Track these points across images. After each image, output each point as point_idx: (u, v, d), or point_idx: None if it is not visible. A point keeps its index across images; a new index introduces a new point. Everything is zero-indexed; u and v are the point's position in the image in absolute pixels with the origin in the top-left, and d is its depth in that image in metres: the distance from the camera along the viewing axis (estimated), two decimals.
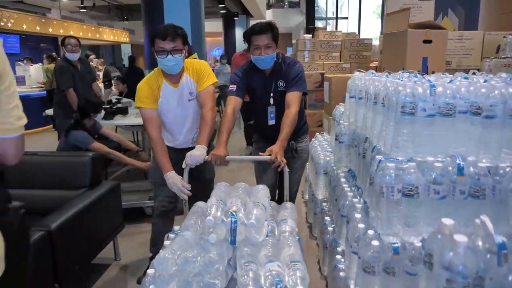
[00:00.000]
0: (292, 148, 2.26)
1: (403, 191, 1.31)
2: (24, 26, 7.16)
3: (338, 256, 1.83)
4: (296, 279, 1.16)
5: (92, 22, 12.73)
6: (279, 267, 1.18)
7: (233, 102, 2.11)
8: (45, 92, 7.37)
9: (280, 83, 2.14)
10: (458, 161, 1.30)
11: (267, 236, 1.37)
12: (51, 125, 7.65)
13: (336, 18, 13.15)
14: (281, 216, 1.63)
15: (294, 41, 5.47)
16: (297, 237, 1.52)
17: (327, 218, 2.28)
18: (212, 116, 2.02)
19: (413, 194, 1.30)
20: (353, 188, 1.91)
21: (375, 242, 1.39)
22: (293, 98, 2.06)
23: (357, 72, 2.17)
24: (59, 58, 3.76)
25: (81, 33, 9.12)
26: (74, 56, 3.60)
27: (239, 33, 12.97)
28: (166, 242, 1.43)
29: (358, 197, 1.78)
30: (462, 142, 1.37)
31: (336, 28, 12.85)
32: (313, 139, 3.18)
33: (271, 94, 2.15)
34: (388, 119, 1.46)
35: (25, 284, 1.53)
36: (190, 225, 1.44)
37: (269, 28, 2.02)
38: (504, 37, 3.28)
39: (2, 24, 6.71)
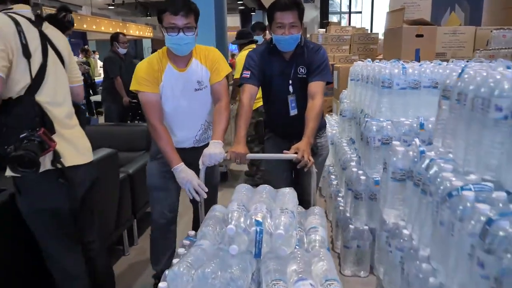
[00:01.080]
0: (312, 145, 2.01)
1: (382, 140, 1.89)
2: None
3: (339, 199, 2.42)
4: None
5: (118, 18, 13.50)
6: (312, 286, 1.03)
7: (248, 91, 1.89)
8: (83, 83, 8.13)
9: (301, 69, 1.92)
10: (420, 120, 1.87)
11: (295, 247, 1.21)
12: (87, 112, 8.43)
13: (349, 12, 13.55)
14: (310, 223, 1.44)
15: (308, 35, 5.98)
16: (327, 246, 1.35)
17: (332, 176, 2.87)
18: (228, 114, 1.84)
19: (389, 143, 1.88)
20: (351, 150, 2.49)
21: (363, 177, 1.98)
22: (317, 88, 1.86)
23: (358, 62, 2.74)
24: (110, 51, 4.39)
25: (110, 29, 9.84)
26: (124, 50, 4.28)
27: None
28: (180, 250, 1.30)
29: (355, 154, 2.36)
30: (426, 108, 1.93)
31: (350, 23, 13.26)
32: None
33: (290, 82, 1.93)
34: (374, 92, 2.03)
35: (115, 209, 2.18)
36: (207, 233, 1.28)
37: (296, 5, 1.80)
38: (491, 31, 3.77)
39: None
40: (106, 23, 10.20)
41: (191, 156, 1.79)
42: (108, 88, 4.37)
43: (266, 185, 1.47)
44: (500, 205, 0.87)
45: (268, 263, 1.13)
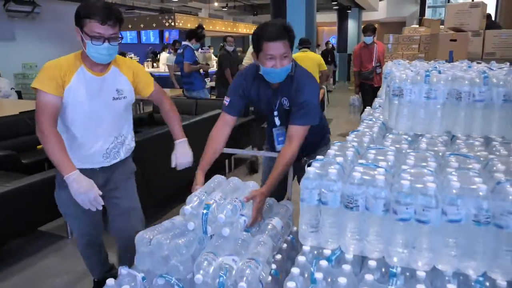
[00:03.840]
0: (304, 166, 1.90)
1: None
2: (188, 25, 10.08)
3: None
4: (247, 273, 1.16)
5: (229, 18, 15.69)
6: (234, 261, 1.20)
7: (223, 119, 1.78)
8: None
9: (284, 100, 1.77)
10: None
11: (247, 231, 1.39)
12: None
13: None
14: (273, 214, 1.57)
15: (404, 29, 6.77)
16: (290, 236, 1.57)
17: None
18: (175, 111, 1.89)
19: None
20: None
21: None
22: (296, 133, 1.66)
23: (388, 61, 3.83)
24: (222, 49, 6.16)
25: (223, 28, 11.86)
26: (231, 48, 5.94)
27: (351, 25, 14.32)
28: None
29: None
30: None
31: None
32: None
33: (275, 113, 1.81)
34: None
35: None
36: (187, 209, 1.39)
37: (286, 32, 1.61)
38: None
39: (176, 24, 9.83)
40: (220, 23, 12.25)
41: (103, 177, 1.74)
42: (220, 77, 6.07)
43: (236, 177, 1.57)
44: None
45: (212, 241, 1.32)
